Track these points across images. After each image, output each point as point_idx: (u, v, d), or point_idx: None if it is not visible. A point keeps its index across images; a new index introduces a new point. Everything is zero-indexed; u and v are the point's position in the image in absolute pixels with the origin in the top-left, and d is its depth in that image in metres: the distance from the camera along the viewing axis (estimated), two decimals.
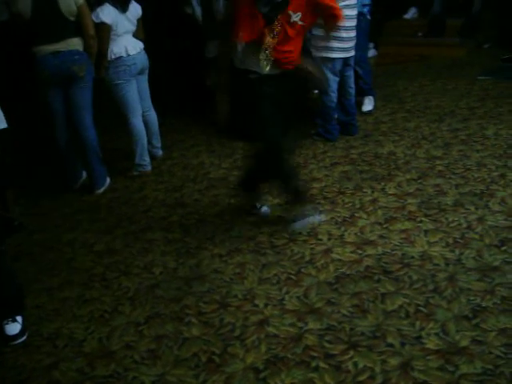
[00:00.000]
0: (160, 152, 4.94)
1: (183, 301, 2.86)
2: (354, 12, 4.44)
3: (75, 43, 4.02)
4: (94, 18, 4.04)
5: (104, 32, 4.09)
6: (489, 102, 5.36)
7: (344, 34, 4.41)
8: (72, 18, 3.96)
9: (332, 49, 4.46)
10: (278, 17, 2.94)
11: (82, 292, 3.08)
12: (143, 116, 4.57)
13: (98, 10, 4.06)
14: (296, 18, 2.98)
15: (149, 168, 4.65)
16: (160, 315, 2.77)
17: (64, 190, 4.49)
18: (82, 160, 4.40)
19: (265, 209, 3.63)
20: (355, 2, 4.41)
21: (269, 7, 2.93)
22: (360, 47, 4.80)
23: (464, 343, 2.29)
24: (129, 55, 4.23)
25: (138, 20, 4.36)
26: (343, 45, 4.48)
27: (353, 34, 4.49)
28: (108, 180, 4.48)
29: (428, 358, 2.24)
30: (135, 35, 4.37)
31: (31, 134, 5.28)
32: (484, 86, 5.92)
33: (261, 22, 2.95)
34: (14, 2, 3.82)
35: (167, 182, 4.43)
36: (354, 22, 4.46)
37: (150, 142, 4.71)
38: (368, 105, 5.48)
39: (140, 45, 4.37)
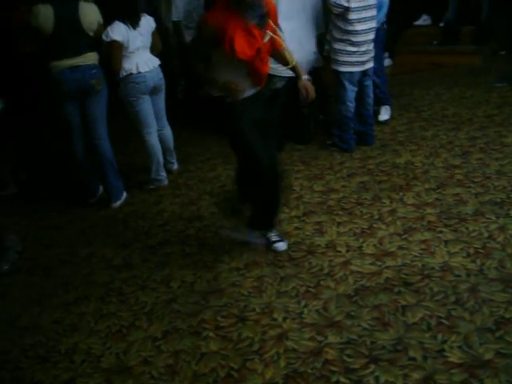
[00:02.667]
0: (175, 166, 4.94)
1: (201, 315, 2.83)
2: (373, 14, 4.42)
3: (92, 57, 4.07)
4: (104, 38, 4.05)
5: (115, 50, 4.07)
6: (507, 109, 5.29)
7: (363, 48, 4.42)
8: (91, 34, 4.02)
9: (352, 63, 4.47)
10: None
11: (99, 307, 3.07)
12: (158, 134, 4.57)
13: (108, 28, 4.06)
14: (267, 37, 2.90)
15: (165, 182, 4.65)
16: (177, 330, 2.75)
17: (81, 205, 4.51)
18: (99, 173, 4.41)
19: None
20: (374, 1, 4.40)
21: (258, 18, 2.83)
22: (377, 57, 4.77)
23: (488, 356, 2.24)
24: (139, 72, 4.19)
25: (153, 33, 4.34)
26: (362, 58, 4.48)
27: (371, 46, 4.49)
28: (124, 194, 4.49)
29: (451, 371, 2.19)
30: (151, 50, 4.37)
31: (47, 147, 5.30)
32: (501, 92, 5.85)
33: (257, 34, 2.84)
34: (35, 17, 3.84)
35: (184, 195, 4.43)
36: (372, 35, 4.45)
37: (165, 158, 4.71)
38: (384, 114, 5.45)
39: (154, 62, 4.34)
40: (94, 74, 4.06)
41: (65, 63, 3.96)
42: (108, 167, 4.32)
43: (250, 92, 2.99)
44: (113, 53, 4.08)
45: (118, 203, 4.41)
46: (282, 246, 3.32)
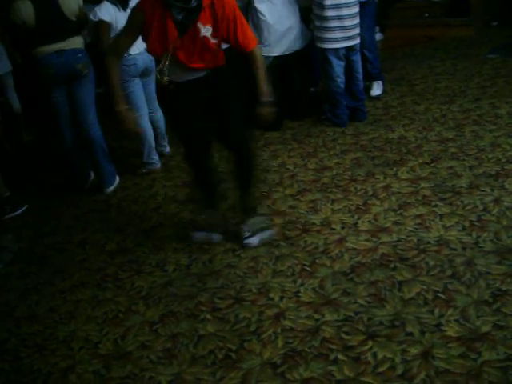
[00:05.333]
0: (167, 149, 4.90)
1: (197, 297, 2.82)
2: None
3: (77, 42, 4.03)
4: (92, 17, 4.00)
5: (103, 30, 4.02)
6: (500, 80, 5.26)
7: (347, 23, 4.37)
8: (74, 18, 3.98)
9: (336, 40, 4.42)
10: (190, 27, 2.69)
11: (95, 293, 3.05)
12: (149, 117, 4.53)
13: (96, 8, 4.01)
14: (206, 32, 2.72)
15: (158, 165, 4.61)
16: (174, 313, 2.74)
17: (73, 192, 4.48)
18: (90, 159, 4.38)
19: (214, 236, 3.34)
20: None
21: (183, 13, 2.66)
22: (368, 31, 4.72)
23: (485, 329, 2.23)
24: (130, 54, 4.14)
25: None
26: (347, 33, 4.42)
27: (356, 20, 4.44)
28: (117, 178, 4.46)
29: (449, 345, 2.19)
30: None
31: (38, 137, 5.27)
32: (494, 64, 5.81)
33: (174, 32, 2.70)
34: (16, 14, 3.82)
35: (177, 178, 4.39)
36: (357, 8, 4.40)
37: (156, 142, 4.68)
38: (376, 89, 5.41)
39: (143, 44, 4.29)
40: (80, 57, 4.02)
41: (51, 48, 3.92)
42: (99, 153, 4.28)
43: (186, 77, 2.85)
44: (100, 33, 4.03)
45: (111, 188, 4.38)
46: (254, 241, 3.19)
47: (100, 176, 4.40)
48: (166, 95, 3.03)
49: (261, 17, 4.54)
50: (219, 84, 2.91)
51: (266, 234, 3.22)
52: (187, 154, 3.23)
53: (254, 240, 3.19)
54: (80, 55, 4.02)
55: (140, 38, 4.04)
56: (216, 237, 3.31)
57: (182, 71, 2.82)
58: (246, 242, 3.19)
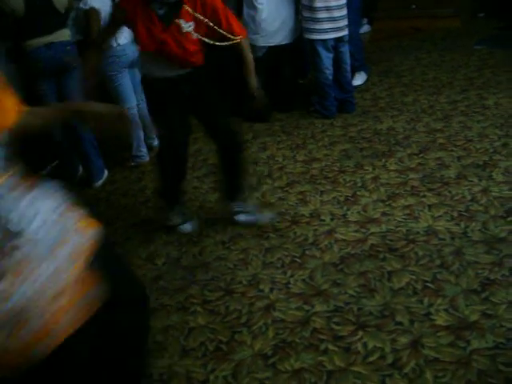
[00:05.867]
0: (156, 142, 4.87)
1: (188, 290, 2.82)
2: None
3: (66, 34, 3.99)
4: (82, 5, 3.97)
5: (93, 18, 3.98)
6: (487, 71, 5.28)
7: (336, 14, 4.37)
8: (62, 11, 3.94)
9: (325, 30, 4.41)
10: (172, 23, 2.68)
11: None
12: (137, 108, 4.51)
13: None
14: (188, 28, 2.70)
15: (146, 158, 4.59)
16: (165, 306, 2.74)
17: (61, 186, 4.44)
18: (78, 153, 4.35)
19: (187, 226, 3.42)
20: None
21: (165, 8, 2.66)
22: (352, 23, 4.71)
23: (474, 318, 2.26)
24: (119, 45, 4.13)
25: None
26: (336, 24, 4.42)
27: (344, 11, 4.44)
28: (106, 172, 4.44)
29: (438, 334, 2.21)
30: None
31: None
32: (481, 55, 5.83)
33: (158, 27, 2.68)
34: (5, 1, 3.75)
35: None
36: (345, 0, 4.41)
37: (145, 134, 4.65)
38: (358, 79, 5.42)
39: (131, 34, 4.27)
40: (69, 50, 3.98)
41: (40, 41, 3.88)
42: (88, 146, 4.26)
43: (169, 73, 2.86)
44: (91, 21, 3.98)
45: (100, 182, 4.36)
46: (186, 227, 3.36)
47: (89, 170, 4.38)
48: (149, 89, 3.03)
49: (258, 6, 4.54)
50: (200, 81, 2.92)
51: (263, 218, 3.27)
52: (166, 146, 3.20)
53: (248, 219, 3.26)
54: (68, 48, 3.99)
55: (125, 27, 4.03)
56: (190, 226, 3.38)
57: (166, 67, 2.81)
58: (238, 218, 3.28)
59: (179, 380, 2.26)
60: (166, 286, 2.90)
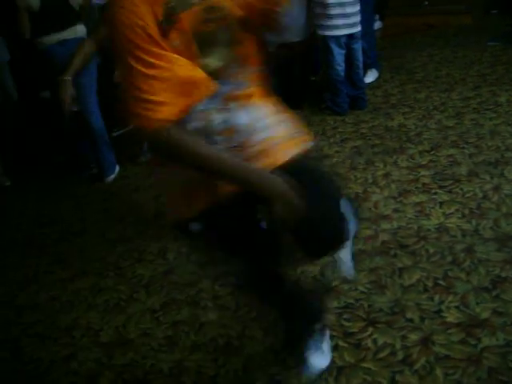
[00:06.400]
0: None
1: (198, 285, 2.83)
2: None
3: (79, 30, 4.01)
4: (98, 1, 3.99)
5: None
6: (500, 68, 5.24)
7: (349, 10, 4.35)
8: (77, 8, 3.98)
9: (337, 26, 4.40)
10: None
11: (96, 281, 3.07)
12: None
13: None
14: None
15: None
16: (176, 301, 2.75)
17: (73, 180, 4.48)
18: (91, 148, 4.37)
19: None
20: None
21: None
22: (365, 20, 4.70)
23: (485, 315, 2.24)
24: None
25: None
26: (348, 20, 4.40)
27: (357, 7, 4.42)
28: (117, 167, 4.46)
29: (449, 331, 2.20)
30: None
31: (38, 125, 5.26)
32: (494, 52, 5.79)
33: None
34: None
35: None
36: None
37: None
38: (369, 77, 5.40)
39: None
40: None
41: (54, 38, 3.90)
42: (100, 141, 4.28)
43: None
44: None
45: (112, 177, 4.38)
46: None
47: (100, 165, 4.40)
48: None
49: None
50: None
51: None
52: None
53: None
54: None
55: None
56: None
57: None
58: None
59: (189, 374, 2.27)
60: (176, 280, 2.92)
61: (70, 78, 3.75)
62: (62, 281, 3.15)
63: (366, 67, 5.29)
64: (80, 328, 2.72)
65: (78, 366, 2.47)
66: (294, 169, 1.52)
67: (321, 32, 4.52)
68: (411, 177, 3.47)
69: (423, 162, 3.62)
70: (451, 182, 3.32)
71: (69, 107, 3.59)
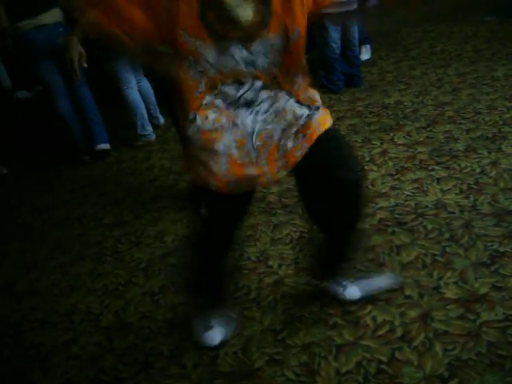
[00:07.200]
0: (161, 120, 4.86)
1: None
2: None
3: (56, 15, 3.92)
4: None
5: None
6: (496, 42, 5.20)
7: None
8: None
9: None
10: None
11: (94, 266, 3.06)
12: (137, 87, 4.49)
13: None
14: None
15: (152, 137, 4.59)
16: (174, 284, 2.75)
17: (70, 165, 4.46)
18: (83, 122, 4.32)
19: None
20: None
21: None
22: None
23: (483, 290, 2.24)
24: None
25: None
26: None
27: None
28: (108, 145, 4.43)
29: (448, 307, 2.20)
30: None
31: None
32: (490, 26, 5.75)
33: None
34: None
35: (172, 149, 4.37)
36: None
37: (149, 113, 4.64)
38: (365, 54, 5.37)
39: None
40: (61, 32, 3.91)
41: (31, 23, 3.83)
42: (91, 112, 4.25)
43: None
44: None
45: (103, 146, 4.36)
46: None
47: (93, 134, 4.38)
48: None
49: None
50: None
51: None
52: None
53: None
54: (60, 30, 3.92)
55: None
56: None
57: None
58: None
59: (190, 356, 2.27)
60: (175, 263, 2.91)
61: (75, 37, 3.73)
62: (61, 266, 3.14)
63: (360, 43, 5.24)
64: (80, 313, 2.71)
65: (78, 350, 2.47)
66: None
67: None
68: (408, 154, 3.46)
69: (420, 139, 3.61)
70: (448, 157, 3.31)
71: (77, 65, 3.59)
